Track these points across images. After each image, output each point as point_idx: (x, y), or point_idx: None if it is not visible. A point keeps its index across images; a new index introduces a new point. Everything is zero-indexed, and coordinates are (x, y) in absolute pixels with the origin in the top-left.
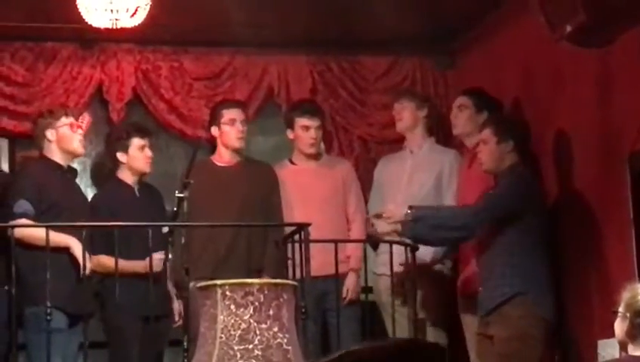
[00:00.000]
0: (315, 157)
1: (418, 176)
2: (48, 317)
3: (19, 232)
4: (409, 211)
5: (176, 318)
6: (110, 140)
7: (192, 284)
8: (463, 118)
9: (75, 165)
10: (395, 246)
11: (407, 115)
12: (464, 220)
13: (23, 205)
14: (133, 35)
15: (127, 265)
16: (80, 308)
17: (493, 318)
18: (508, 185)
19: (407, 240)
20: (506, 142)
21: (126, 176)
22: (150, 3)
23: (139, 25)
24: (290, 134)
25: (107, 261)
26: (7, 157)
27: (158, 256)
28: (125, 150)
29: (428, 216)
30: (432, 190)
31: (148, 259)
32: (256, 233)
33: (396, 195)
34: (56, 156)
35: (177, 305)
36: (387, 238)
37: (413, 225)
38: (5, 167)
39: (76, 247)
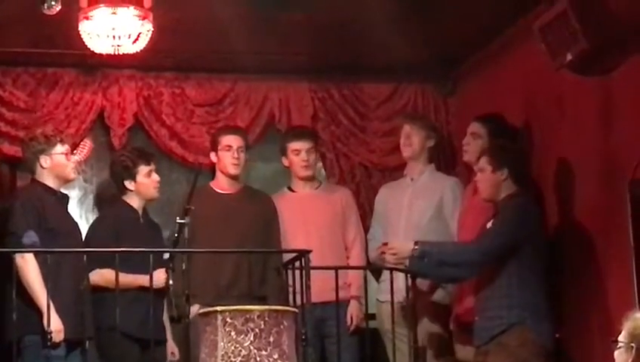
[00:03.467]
0: (312, 180)
1: (418, 204)
2: (49, 343)
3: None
4: (415, 247)
5: (169, 356)
6: (116, 169)
7: (193, 311)
8: (474, 146)
9: (75, 191)
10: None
11: (416, 141)
12: (468, 258)
13: (32, 236)
14: (135, 61)
15: (132, 278)
16: (79, 334)
17: (492, 347)
18: (508, 221)
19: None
20: (500, 170)
21: (133, 201)
22: (152, 29)
23: (141, 51)
24: (285, 162)
25: (110, 274)
26: (9, 182)
27: (161, 272)
28: (133, 178)
29: (433, 252)
30: (433, 219)
31: (154, 273)
32: (258, 260)
33: (398, 224)
34: (49, 181)
35: (171, 341)
36: (388, 265)
37: (419, 262)
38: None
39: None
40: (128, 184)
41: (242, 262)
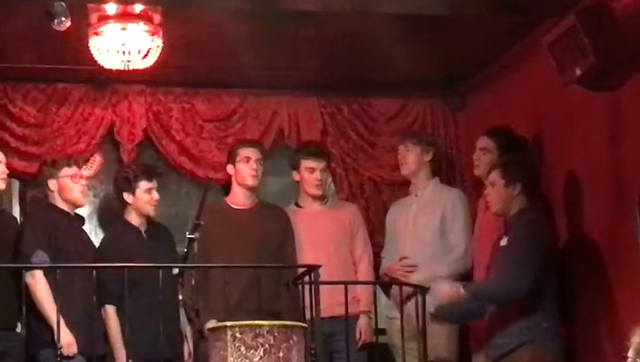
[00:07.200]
0: (321, 198)
1: (422, 219)
2: (59, 359)
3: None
4: (462, 291)
5: (186, 357)
6: (117, 180)
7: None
8: (484, 161)
9: (84, 207)
10: None
11: (411, 159)
12: (508, 294)
13: (40, 256)
14: (145, 77)
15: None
16: (97, 350)
17: None
18: (533, 253)
19: (417, 283)
20: (513, 185)
21: (132, 218)
22: (162, 45)
23: (150, 66)
24: (295, 176)
25: (115, 321)
26: (18, 197)
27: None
28: (132, 191)
29: (481, 290)
30: (437, 232)
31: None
32: (270, 275)
33: (404, 240)
34: (61, 204)
35: (187, 346)
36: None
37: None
38: (16, 208)
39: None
40: (127, 196)
41: (254, 278)
